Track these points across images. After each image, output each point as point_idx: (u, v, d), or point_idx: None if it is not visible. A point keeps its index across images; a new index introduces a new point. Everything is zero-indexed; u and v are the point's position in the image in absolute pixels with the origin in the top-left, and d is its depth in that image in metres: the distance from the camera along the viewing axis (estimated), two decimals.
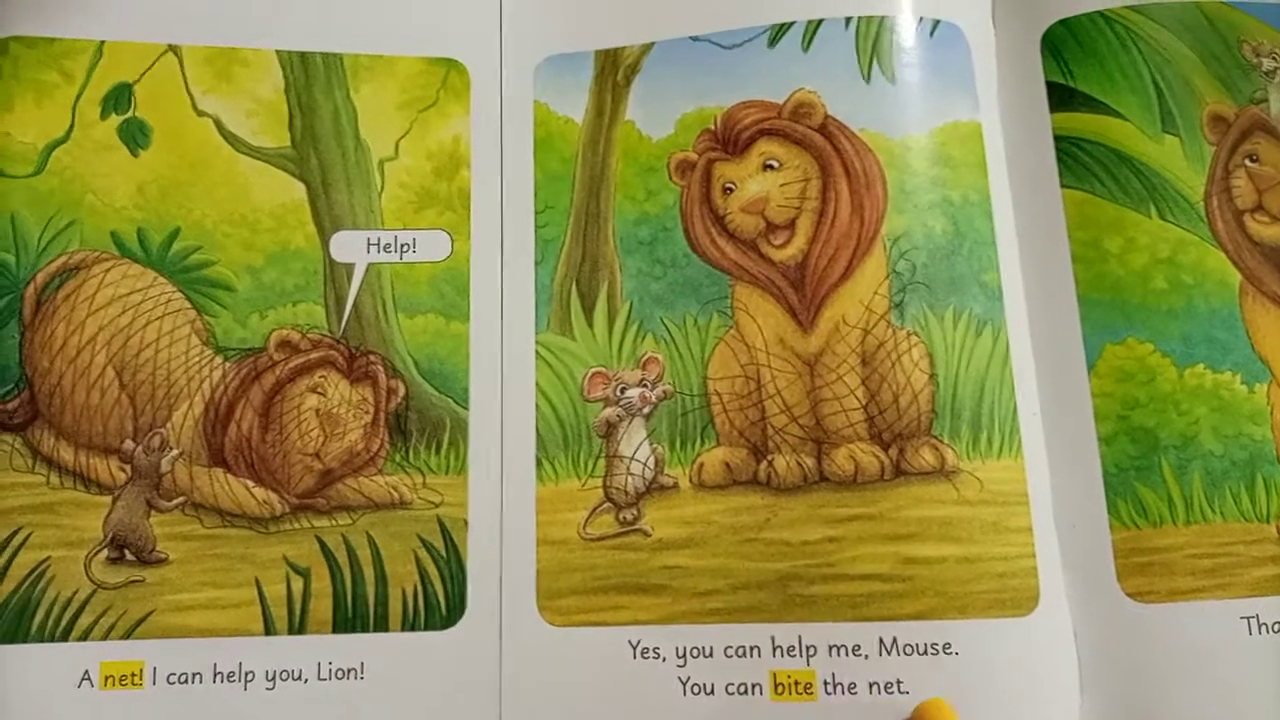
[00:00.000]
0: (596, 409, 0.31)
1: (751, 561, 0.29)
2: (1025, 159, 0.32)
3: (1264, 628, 0.28)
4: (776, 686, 0.28)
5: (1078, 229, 0.31)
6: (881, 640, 0.28)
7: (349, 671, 0.28)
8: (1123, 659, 0.29)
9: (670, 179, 0.32)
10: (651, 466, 0.30)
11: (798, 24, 0.32)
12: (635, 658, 0.29)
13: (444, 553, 0.29)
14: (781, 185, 0.31)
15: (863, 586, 0.28)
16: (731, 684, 0.28)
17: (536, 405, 0.31)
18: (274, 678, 0.28)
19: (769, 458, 0.29)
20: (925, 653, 0.28)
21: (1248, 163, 0.31)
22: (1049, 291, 0.31)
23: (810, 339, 0.30)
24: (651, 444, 0.30)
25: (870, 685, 0.27)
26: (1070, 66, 0.32)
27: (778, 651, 0.28)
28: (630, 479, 0.30)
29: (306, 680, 0.28)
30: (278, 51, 0.32)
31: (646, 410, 0.30)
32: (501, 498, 0.30)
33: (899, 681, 0.27)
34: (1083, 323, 0.31)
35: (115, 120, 0.31)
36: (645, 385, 0.30)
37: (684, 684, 0.28)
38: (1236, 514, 0.29)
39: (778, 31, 0.32)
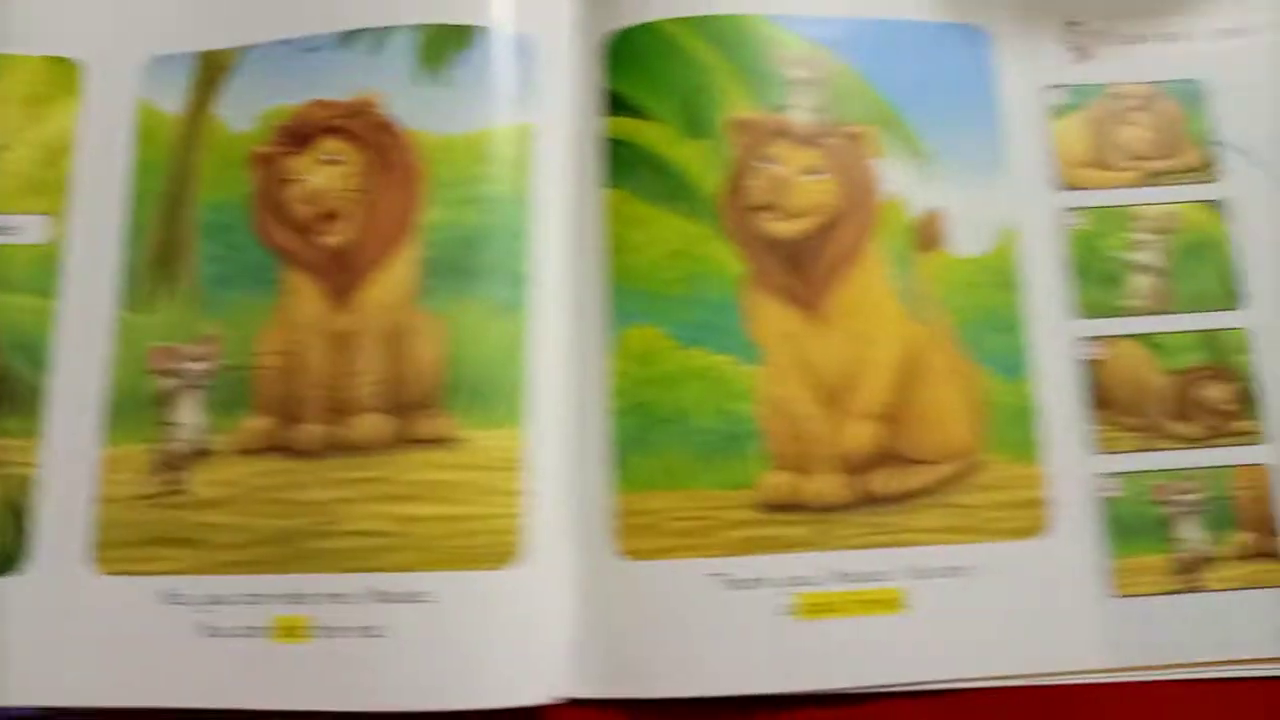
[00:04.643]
0: (162, 380, 0.36)
1: (271, 520, 0.35)
2: (576, 159, 0.38)
3: (731, 584, 0.33)
4: (278, 630, 0.33)
5: (615, 224, 0.37)
6: (370, 590, 0.33)
7: None
8: (616, 612, 0.35)
9: (246, 171, 0.37)
10: (200, 433, 0.35)
11: (372, 30, 0.37)
12: (164, 604, 0.34)
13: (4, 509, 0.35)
14: (338, 178, 0.37)
15: (360, 542, 0.34)
16: (240, 628, 0.33)
17: (111, 376, 0.36)
18: None
19: (297, 426, 0.35)
20: (404, 600, 0.33)
21: (765, 164, 0.36)
22: (584, 280, 0.37)
23: (345, 319, 0.36)
24: (201, 412, 0.35)
25: (358, 629, 0.33)
26: (623, 74, 0.38)
27: (281, 600, 0.34)
28: (180, 444, 0.35)
29: None
30: None
31: (202, 382, 0.35)
32: (70, 459, 0.35)
33: (381, 626, 0.33)
34: (610, 309, 0.36)
35: None
36: (202, 360, 0.36)
37: (202, 628, 0.34)
38: (718, 482, 0.35)
39: (352, 36, 0.38)
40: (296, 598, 0.34)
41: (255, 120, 0.38)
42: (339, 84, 0.38)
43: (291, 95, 0.38)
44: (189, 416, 0.36)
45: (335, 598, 0.34)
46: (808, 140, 0.38)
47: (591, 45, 0.39)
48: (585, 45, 0.39)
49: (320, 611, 0.34)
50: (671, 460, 0.35)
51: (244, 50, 0.39)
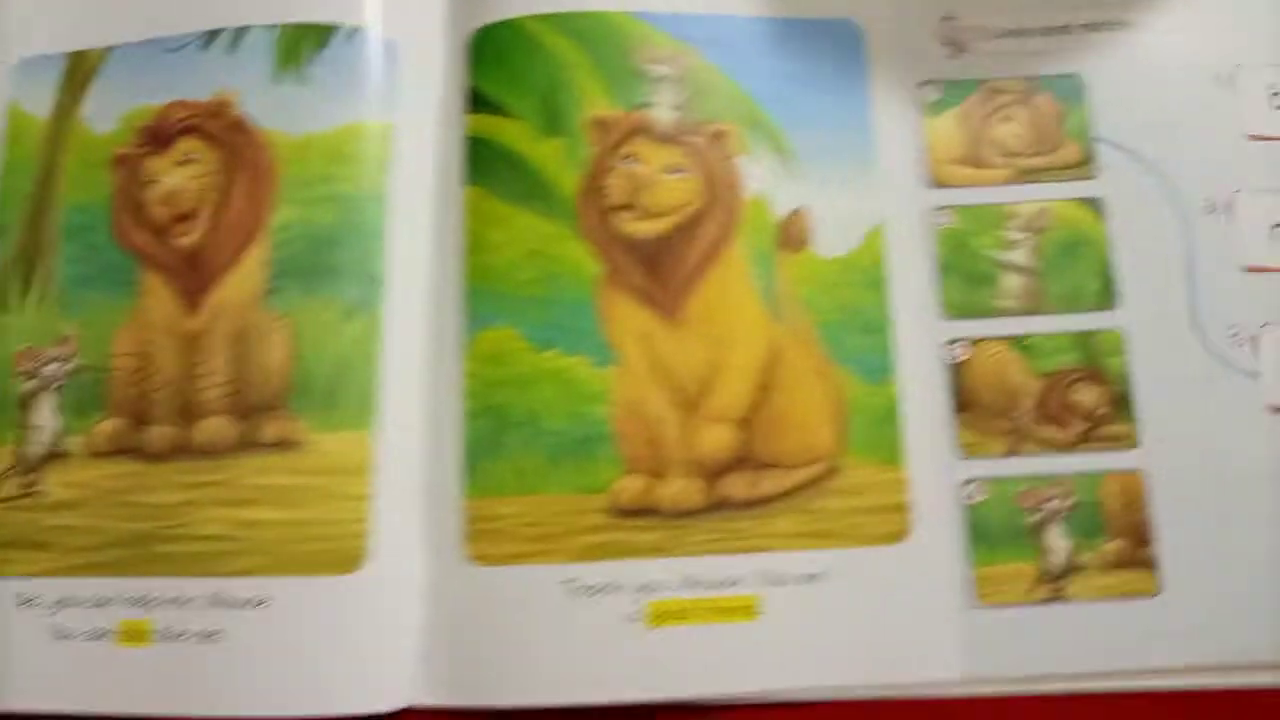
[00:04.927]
0: (24, 382, 0.36)
1: (122, 522, 0.35)
2: (439, 158, 0.38)
3: (581, 590, 0.33)
4: (122, 634, 0.33)
5: (473, 223, 0.36)
6: (211, 594, 0.33)
7: None
8: (465, 619, 0.34)
9: (108, 172, 0.37)
10: (56, 434, 0.35)
11: (231, 29, 0.37)
12: (16, 607, 0.34)
13: None
14: (193, 179, 0.37)
15: (204, 546, 0.34)
16: (87, 631, 0.34)
17: None
18: None
19: (147, 428, 0.35)
20: (244, 606, 0.33)
21: (625, 163, 0.36)
22: (442, 280, 0.37)
23: (195, 320, 0.36)
24: (58, 414, 0.35)
25: (197, 634, 0.33)
26: (485, 71, 0.37)
27: (127, 603, 0.34)
28: (38, 446, 0.35)
29: None
30: None
31: (59, 384, 0.35)
32: None
33: (221, 631, 0.33)
34: (466, 309, 0.36)
35: None
36: (61, 361, 0.36)
37: (52, 630, 0.34)
38: (570, 486, 0.34)
39: (212, 36, 0.38)
40: (141, 601, 0.34)
41: (118, 121, 0.38)
42: (199, 84, 0.38)
43: (154, 96, 0.38)
44: (46, 419, 0.36)
45: (177, 602, 0.34)
46: (669, 138, 0.37)
47: (458, 42, 0.39)
48: (453, 42, 0.39)
49: (163, 615, 0.34)
50: (523, 464, 0.35)
51: (109, 51, 0.39)
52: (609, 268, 0.36)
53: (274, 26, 0.38)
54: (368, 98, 0.38)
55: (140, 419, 0.36)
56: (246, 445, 0.35)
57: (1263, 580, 0.34)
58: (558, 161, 0.37)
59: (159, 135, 0.38)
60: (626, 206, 0.37)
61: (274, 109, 0.37)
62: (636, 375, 0.36)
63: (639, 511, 0.35)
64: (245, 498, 0.34)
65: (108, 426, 0.36)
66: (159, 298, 0.36)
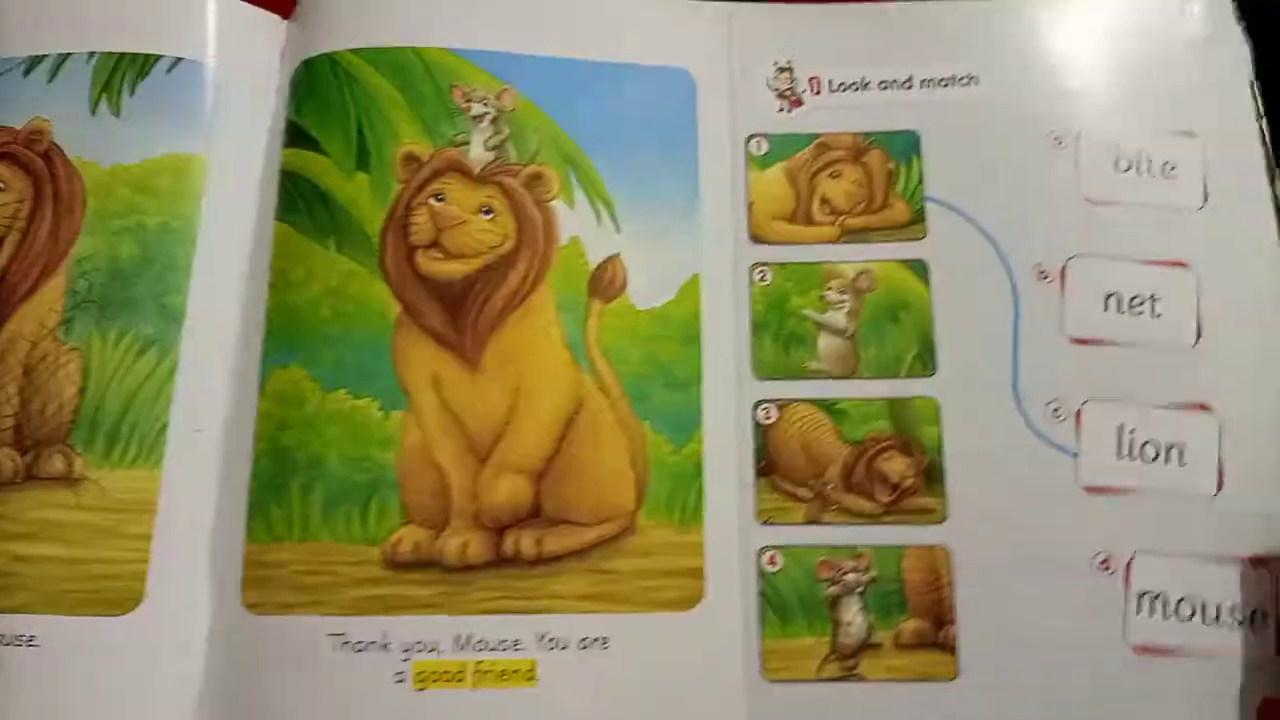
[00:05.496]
0: None
1: None
2: (251, 191, 0.37)
3: (349, 646, 0.32)
4: None
5: (278, 259, 0.36)
6: None
7: None
8: (238, 667, 0.34)
9: None
10: None
11: (52, 56, 0.37)
12: None
13: None
14: (1, 206, 0.36)
15: None
16: None
17: None
18: None
19: None
20: (11, 644, 0.32)
21: (432, 201, 0.35)
22: (243, 317, 0.36)
23: None
24: None
25: None
26: (304, 105, 0.37)
27: None
28: None
29: None
30: None
31: None
32: None
33: None
34: (264, 347, 0.35)
35: None
36: None
37: None
38: (347, 535, 0.34)
39: (33, 63, 0.37)
40: None
41: None
42: (18, 111, 0.37)
43: None
44: None
45: None
46: (482, 178, 0.37)
47: (278, 76, 0.38)
48: (282, 76, 0.39)
49: None
50: (303, 509, 0.34)
51: None
52: (407, 308, 0.36)
53: (93, 55, 0.38)
54: (185, 130, 0.37)
55: None
56: (29, 479, 0.34)
57: (1065, 670, 0.33)
58: (365, 198, 0.36)
59: None
60: (431, 245, 0.36)
61: (86, 139, 0.37)
62: (426, 420, 0.35)
63: (417, 564, 0.34)
64: (23, 532, 0.34)
65: None
66: None
